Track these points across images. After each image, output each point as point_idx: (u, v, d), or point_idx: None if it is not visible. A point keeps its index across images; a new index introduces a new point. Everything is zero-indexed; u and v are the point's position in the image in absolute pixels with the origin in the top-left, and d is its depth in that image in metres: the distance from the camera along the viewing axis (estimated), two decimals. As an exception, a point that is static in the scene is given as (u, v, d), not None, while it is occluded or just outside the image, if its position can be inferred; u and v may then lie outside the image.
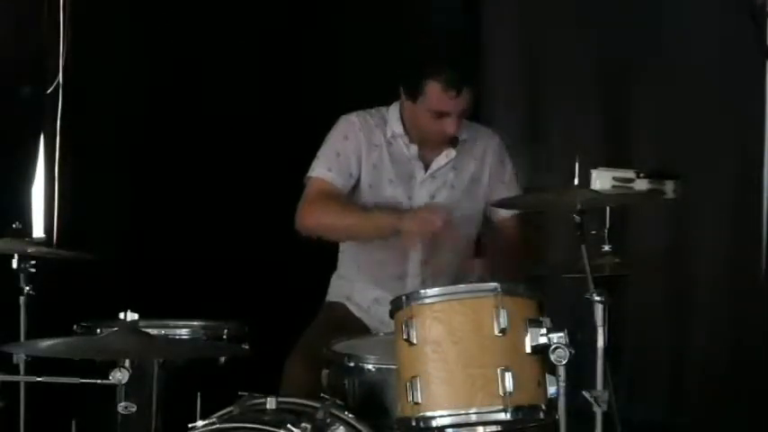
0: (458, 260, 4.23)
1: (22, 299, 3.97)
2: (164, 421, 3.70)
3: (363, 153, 4.22)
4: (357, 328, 4.21)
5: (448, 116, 4.09)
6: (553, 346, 3.18)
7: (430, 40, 4.51)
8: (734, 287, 5.29)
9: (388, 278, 4.21)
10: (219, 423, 3.32)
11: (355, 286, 4.31)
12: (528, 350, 3.21)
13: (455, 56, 4.17)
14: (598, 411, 3.53)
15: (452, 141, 4.26)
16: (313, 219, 4.13)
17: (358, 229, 4.12)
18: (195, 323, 4.03)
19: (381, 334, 3.92)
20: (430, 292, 3.29)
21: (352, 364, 3.59)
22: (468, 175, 4.28)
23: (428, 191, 4.23)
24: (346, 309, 4.31)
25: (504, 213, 4.27)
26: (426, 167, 4.24)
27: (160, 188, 5.27)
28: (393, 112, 4.26)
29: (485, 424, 3.20)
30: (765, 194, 5.07)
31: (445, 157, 4.25)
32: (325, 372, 3.69)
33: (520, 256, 4.24)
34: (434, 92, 4.07)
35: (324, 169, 4.19)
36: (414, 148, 4.23)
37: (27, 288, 3.98)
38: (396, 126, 4.24)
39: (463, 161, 4.28)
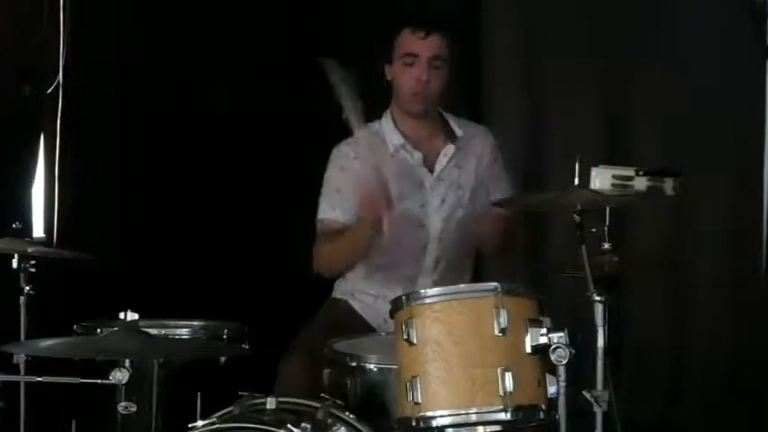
0: (467, 264, 4.27)
1: (22, 299, 3.97)
2: (164, 421, 3.70)
3: (363, 180, 4.20)
4: (358, 325, 4.21)
5: (417, 59, 4.11)
6: (553, 346, 3.19)
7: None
8: (734, 287, 5.29)
9: (400, 280, 4.21)
10: (219, 423, 3.32)
11: (359, 286, 4.31)
12: (528, 350, 3.21)
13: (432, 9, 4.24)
14: (598, 411, 3.53)
15: (450, 138, 4.26)
16: (321, 264, 4.19)
17: (352, 252, 4.14)
18: (195, 323, 4.03)
19: (383, 333, 3.93)
20: (430, 291, 3.29)
21: (353, 364, 3.59)
22: (473, 174, 4.29)
23: (438, 195, 4.24)
24: (349, 305, 4.31)
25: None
26: (432, 171, 4.24)
27: (160, 188, 5.26)
28: (386, 124, 4.27)
29: (485, 424, 3.20)
30: (765, 194, 5.07)
31: (444, 155, 4.25)
32: (326, 371, 3.69)
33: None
34: (405, 36, 4.16)
35: (327, 209, 4.22)
36: (418, 155, 4.23)
37: (27, 288, 3.98)
38: (395, 138, 4.24)
39: (465, 159, 4.29)
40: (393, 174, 4.17)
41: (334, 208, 4.21)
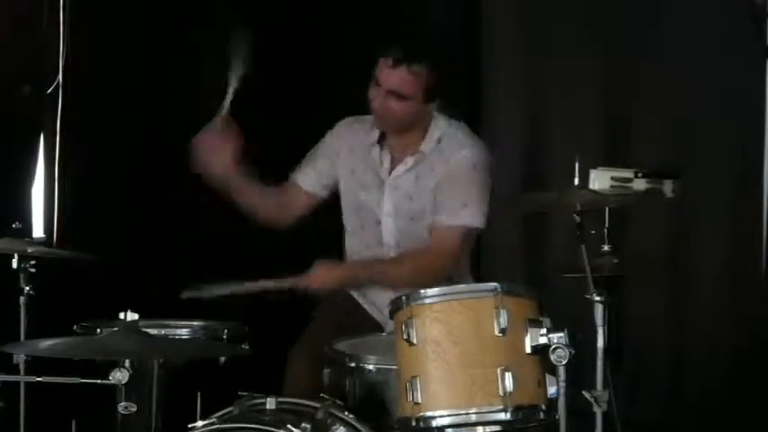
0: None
1: (22, 299, 3.98)
2: (164, 421, 3.70)
3: (341, 157, 4.26)
4: (362, 320, 4.21)
5: (379, 86, 4.08)
6: (553, 346, 3.18)
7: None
8: (734, 287, 5.29)
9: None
10: (219, 423, 3.32)
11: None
12: (528, 350, 3.21)
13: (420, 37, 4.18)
14: (598, 411, 3.54)
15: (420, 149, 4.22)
16: None
17: None
18: (195, 323, 4.03)
19: (385, 333, 3.93)
20: (430, 291, 3.29)
21: (353, 365, 3.59)
22: (429, 187, 4.17)
23: (392, 201, 4.21)
24: (350, 297, 4.30)
25: (440, 223, 4.12)
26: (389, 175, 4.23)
27: (160, 188, 5.26)
28: None
29: (485, 424, 3.20)
30: (765, 194, 5.07)
31: (403, 165, 4.19)
32: (326, 371, 3.70)
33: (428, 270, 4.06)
34: (381, 60, 4.10)
35: (299, 170, 4.35)
36: (387, 158, 4.21)
37: (27, 288, 3.98)
38: (375, 133, 4.23)
39: (424, 171, 4.17)
40: (361, 164, 4.24)
41: (300, 166, 4.36)
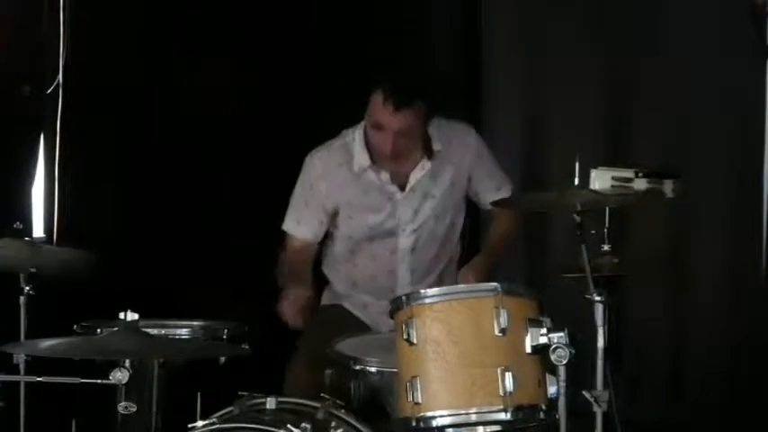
0: (444, 264, 4.28)
1: (22, 299, 3.97)
2: (164, 421, 3.70)
3: (333, 193, 4.25)
4: (356, 326, 4.21)
5: (384, 130, 4.07)
6: (553, 346, 3.19)
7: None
8: (734, 287, 5.29)
9: (381, 290, 4.23)
10: (219, 423, 3.33)
11: (348, 292, 4.34)
12: (528, 350, 3.21)
13: (412, 72, 4.14)
14: (598, 411, 3.53)
15: (428, 154, 4.23)
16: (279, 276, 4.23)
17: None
18: (195, 323, 4.03)
19: (386, 333, 3.93)
20: (430, 291, 3.30)
21: (357, 367, 3.59)
22: (448, 182, 4.26)
23: (410, 206, 4.23)
24: (343, 309, 4.32)
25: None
26: (402, 187, 4.22)
27: (160, 188, 5.26)
28: (358, 139, 4.23)
29: (485, 424, 3.20)
30: (765, 194, 5.07)
31: (421, 168, 4.22)
32: (327, 371, 3.70)
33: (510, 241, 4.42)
34: (376, 102, 4.08)
35: (293, 222, 4.30)
36: (385, 176, 4.21)
37: (27, 288, 3.98)
38: (362, 158, 4.22)
39: (441, 169, 4.25)
40: (358, 191, 4.22)
41: (299, 221, 4.30)
